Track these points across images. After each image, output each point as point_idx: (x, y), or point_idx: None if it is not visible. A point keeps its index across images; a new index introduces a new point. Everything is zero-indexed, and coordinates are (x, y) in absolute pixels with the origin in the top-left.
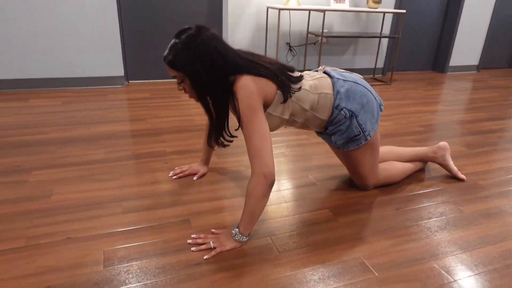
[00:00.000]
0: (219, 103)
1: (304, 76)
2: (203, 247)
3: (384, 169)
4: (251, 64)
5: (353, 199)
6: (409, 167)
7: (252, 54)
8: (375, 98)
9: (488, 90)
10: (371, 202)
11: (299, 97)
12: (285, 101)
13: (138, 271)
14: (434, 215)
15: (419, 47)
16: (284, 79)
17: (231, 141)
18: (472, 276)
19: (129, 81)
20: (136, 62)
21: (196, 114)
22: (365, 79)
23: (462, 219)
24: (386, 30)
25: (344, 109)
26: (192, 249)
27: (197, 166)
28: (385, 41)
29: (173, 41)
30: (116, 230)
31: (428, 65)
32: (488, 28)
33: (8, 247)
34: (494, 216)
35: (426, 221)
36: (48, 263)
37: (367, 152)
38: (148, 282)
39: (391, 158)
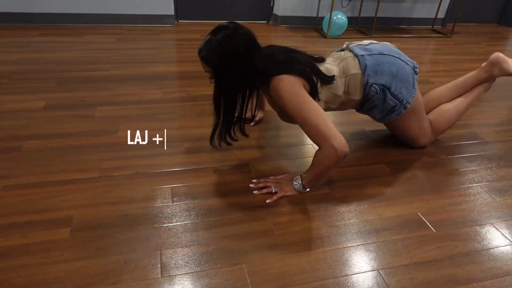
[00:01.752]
0: (231, 103)
1: (332, 60)
2: (264, 190)
3: (434, 120)
4: (284, 64)
5: (411, 156)
6: (462, 102)
7: (285, 51)
8: (407, 63)
9: None
10: (429, 161)
11: (331, 85)
12: (316, 96)
13: (204, 207)
14: (496, 178)
15: None
16: (316, 77)
17: (235, 140)
18: None
19: (179, 21)
20: (186, 1)
21: None
22: (423, 30)
23: None
24: None
25: (373, 85)
26: (255, 192)
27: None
28: None
29: (208, 37)
30: (180, 169)
31: (494, 17)
32: None
33: (86, 177)
34: None
35: (487, 183)
36: (123, 194)
37: (411, 118)
38: (213, 219)
39: (442, 102)
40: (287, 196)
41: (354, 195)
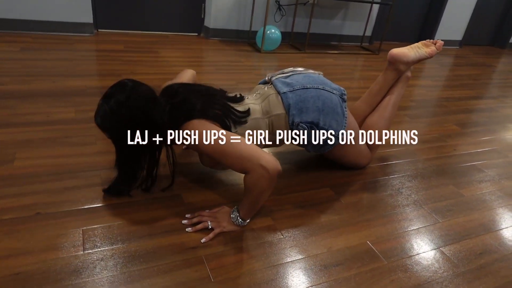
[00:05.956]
0: (136, 164)
1: (255, 98)
2: (199, 226)
3: (369, 136)
4: (192, 111)
5: (354, 177)
6: (385, 108)
7: (200, 96)
8: (332, 93)
9: (471, 67)
10: (372, 181)
11: (254, 127)
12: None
13: (126, 254)
14: (438, 198)
15: (406, 17)
16: (229, 120)
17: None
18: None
19: (99, 30)
20: (108, 9)
21: (177, 72)
22: (353, 47)
23: (463, 203)
24: None
25: (300, 124)
26: (188, 229)
27: None
28: (375, 9)
29: (100, 102)
30: (96, 205)
31: (413, 37)
32: (476, 4)
33: None
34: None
35: (430, 204)
36: (15, 245)
37: (347, 146)
38: (137, 269)
39: (365, 115)
40: (225, 232)
41: (299, 226)
